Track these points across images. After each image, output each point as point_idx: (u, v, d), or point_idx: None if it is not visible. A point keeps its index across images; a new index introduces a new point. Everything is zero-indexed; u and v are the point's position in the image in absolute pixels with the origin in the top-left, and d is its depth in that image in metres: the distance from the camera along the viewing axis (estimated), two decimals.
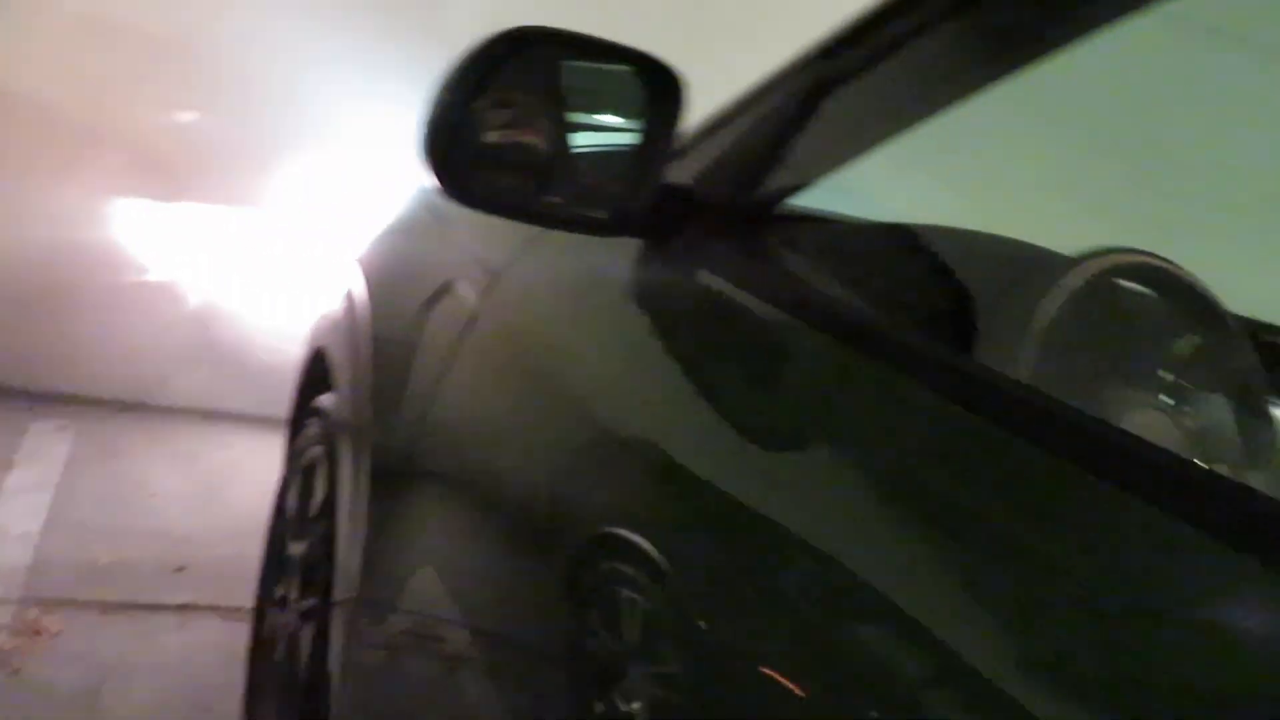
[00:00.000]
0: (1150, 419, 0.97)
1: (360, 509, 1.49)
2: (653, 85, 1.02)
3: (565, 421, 1.05)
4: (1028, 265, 1.00)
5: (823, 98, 0.96)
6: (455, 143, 0.99)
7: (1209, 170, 1.81)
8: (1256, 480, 1.01)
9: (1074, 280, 0.92)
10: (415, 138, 0.98)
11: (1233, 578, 0.53)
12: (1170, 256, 1.09)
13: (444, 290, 1.46)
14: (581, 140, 1.09)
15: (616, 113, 1.08)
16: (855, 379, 0.81)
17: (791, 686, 0.65)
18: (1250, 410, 1.04)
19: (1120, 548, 0.57)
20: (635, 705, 0.77)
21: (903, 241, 1.09)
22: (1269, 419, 1.08)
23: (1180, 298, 1.03)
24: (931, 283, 1.03)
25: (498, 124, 1.03)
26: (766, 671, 0.67)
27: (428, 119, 0.98)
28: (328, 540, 1.61)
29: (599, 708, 0.81)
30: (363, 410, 1.62)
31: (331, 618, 1.51)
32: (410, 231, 1.86)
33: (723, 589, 0.75)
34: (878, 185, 1.08)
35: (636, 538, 0.83)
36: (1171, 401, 1.00)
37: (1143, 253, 1.00)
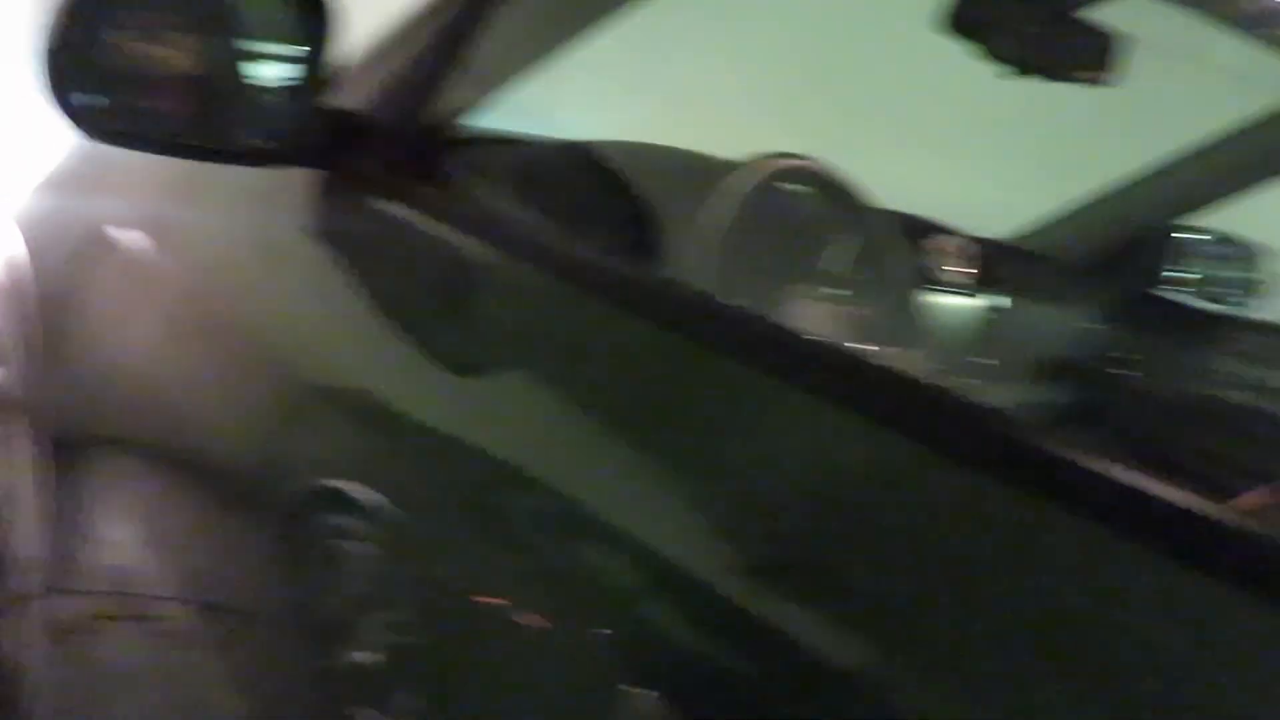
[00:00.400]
0: (822, 312, 1.05)
1: (42, 491, 1.35)
2: (305, 6, 0.96)
3: (257, 373, 1.00)
4: (701, 175, 1.04)
5: (489, 12, 0.94)
6: (84, 72, 0.89)
7: (876, 78, 1.96)
8: (915, 359, 1.12)
9: (742, 186, 0.96)
10: (35, 67, 0.87)
11: (896, 456, 0.56)
12: (840, 159, 1.17)
13: (111, 243, 1.33)
14: (246, 68, 1.01)
15: (278, 38, 1.02)
16: (546, 302, 0.82)
17: (523, 613, 0.66)
18: (907, 298, 1.15)
19: (806, 445, 0.61)
20: (371, 657, 0.76)
21: (583, 158, 1.11)
22: (922, 305, 1.20)
23: (840, 198, 1.11)
24: (613, 198, 1.05)
25: (140, 51, 0.93)
26: (495, 602, 0.68)
27: (43, 45, 0.87)
28: (6, 531, 1.45)
29: (333, 665, 0.79)
30: (35, 383, 1.46)
31: (21, 614, 1.38)
32: (72, 182, 1.67)
33: (444, 527, 0.74)
34: (560, 101, 1.08)
35: (351, 487, 0.81)
36: (839, 294, 1.08)
37: (803, 157, 1.07)
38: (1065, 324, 1.46)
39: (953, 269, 1.32)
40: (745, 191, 0.97)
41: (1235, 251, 1.58)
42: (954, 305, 1.34)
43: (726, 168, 1.06)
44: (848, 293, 1.08)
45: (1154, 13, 1.15)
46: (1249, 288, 1.56)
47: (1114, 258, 1.54)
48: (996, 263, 1.39)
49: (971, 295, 1.35)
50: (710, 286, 0.90)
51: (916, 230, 1.33)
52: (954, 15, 1.08)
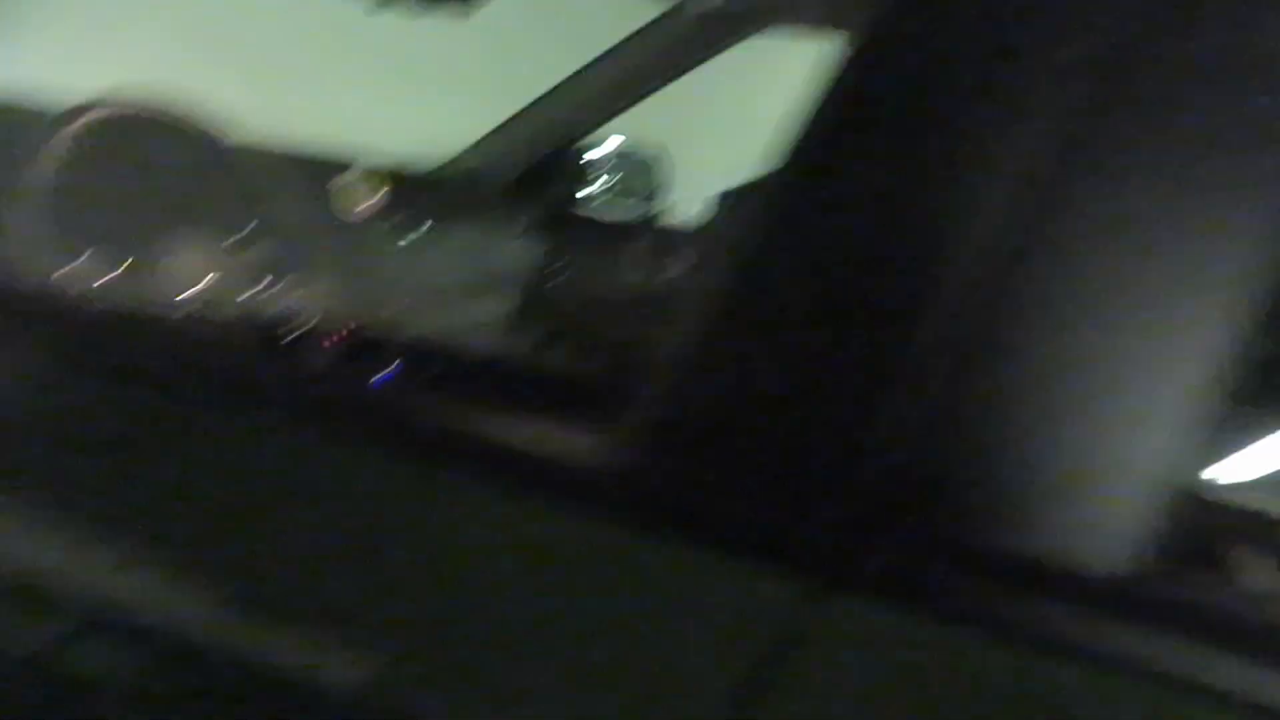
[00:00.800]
0: (194, 259, 0.98)
1: None
2: None
3: None
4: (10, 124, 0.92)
5: None
6: None
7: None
8: (323, 297, 1.09)
9: (68, 138, 0.86)
10: None
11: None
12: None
13: None
14: None
15: None
16: None
17: None
18: (303, 237, 1.12)
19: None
20: None
21: None
22: (329, 242, 1.17)
23: (185, 136, 1.02)
24: None
25: None
26: None
27: None
28: None
29: None
30: None
31: None
32: None
33: None
34: None
35: None
36: (211, 237, 1.02)
37: (143, 98, 0.97)
38: (486, 246, 1.54)
39: (364, 202, 1.31)
40: (65, 146, 0.87)
41: (635, 161, 1.74)
42: (366, 239, 1.34)
43: (41, 115, 0.93)
44: (219, 237, 1.02)
45: None
46: (649, 193, 1.74)
47: (529, 177, 1.64)
48: (412, 193, 1.41)
49: (389, 227, 1.36)
50: (31, 253, 0.80)
51: (320, 166, 1.31)
52: None
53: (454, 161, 1.64)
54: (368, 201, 1.31)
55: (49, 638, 0.55)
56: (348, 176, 1.29)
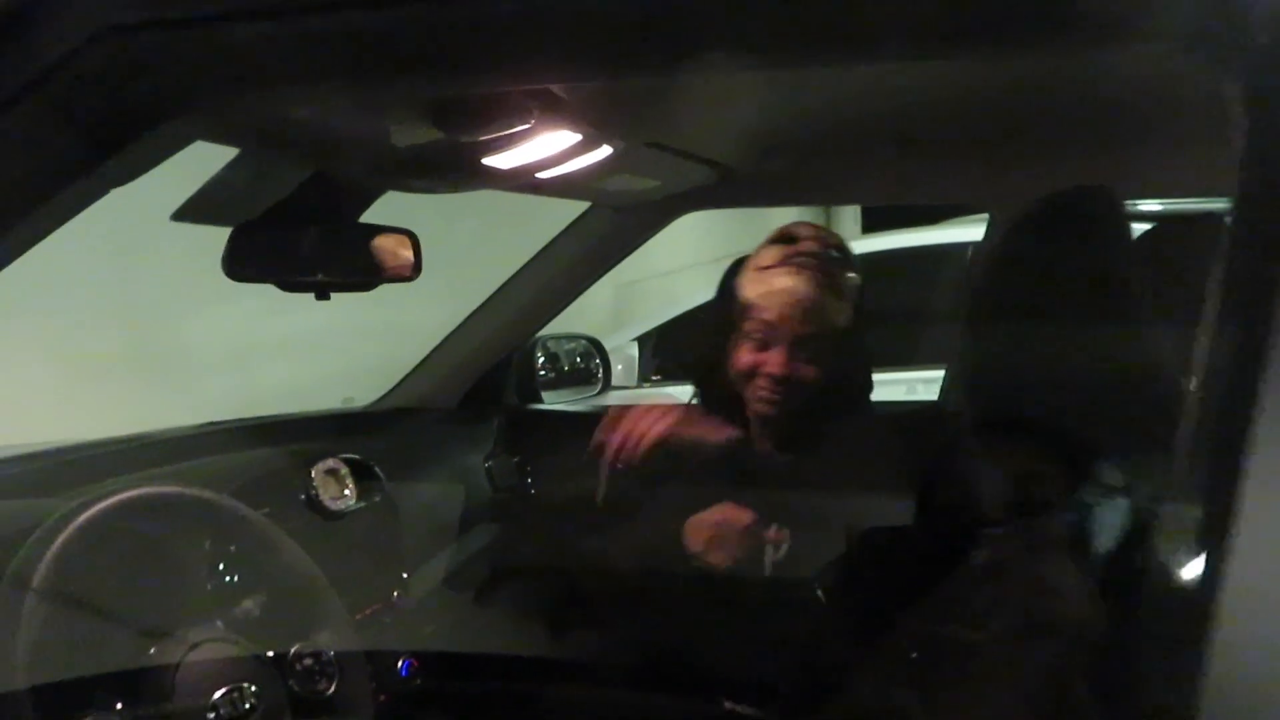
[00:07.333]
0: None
1: None
2: None
3: None
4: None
5: None
6: None
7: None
8: None
9: (66, 531, 0.79)
10: None
11: None
12: None
13: None
14: None
15: None
16: None
17: None
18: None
19: None
20: None
21: None
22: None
23: (191, 515, 0.96)
24: None
25: None
26: None
27: None
28: None
29: None
30: None
31: None
32: None
33: None
34: None
35: None
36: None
37: (146, 487, 0.90)
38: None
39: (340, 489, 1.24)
40: (70, 535, 0.80)
41: (583, 346, 1.74)
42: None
43: (39, 508, 0.86)
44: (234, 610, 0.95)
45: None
46: (598, 371, 1.74)
47: (485, 388, 1.61)
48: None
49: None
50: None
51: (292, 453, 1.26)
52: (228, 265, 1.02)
53: (390, 397, 1.59)
54: (343, 488, 1.25)
55: None
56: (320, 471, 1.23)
